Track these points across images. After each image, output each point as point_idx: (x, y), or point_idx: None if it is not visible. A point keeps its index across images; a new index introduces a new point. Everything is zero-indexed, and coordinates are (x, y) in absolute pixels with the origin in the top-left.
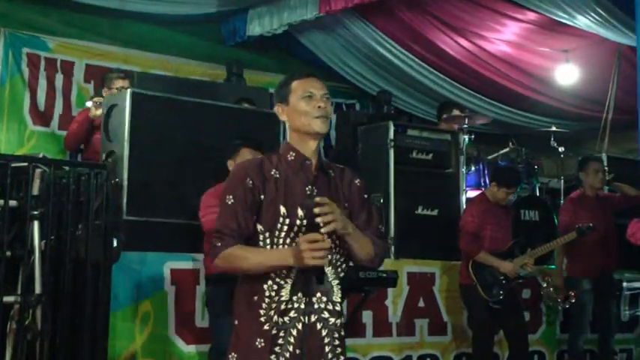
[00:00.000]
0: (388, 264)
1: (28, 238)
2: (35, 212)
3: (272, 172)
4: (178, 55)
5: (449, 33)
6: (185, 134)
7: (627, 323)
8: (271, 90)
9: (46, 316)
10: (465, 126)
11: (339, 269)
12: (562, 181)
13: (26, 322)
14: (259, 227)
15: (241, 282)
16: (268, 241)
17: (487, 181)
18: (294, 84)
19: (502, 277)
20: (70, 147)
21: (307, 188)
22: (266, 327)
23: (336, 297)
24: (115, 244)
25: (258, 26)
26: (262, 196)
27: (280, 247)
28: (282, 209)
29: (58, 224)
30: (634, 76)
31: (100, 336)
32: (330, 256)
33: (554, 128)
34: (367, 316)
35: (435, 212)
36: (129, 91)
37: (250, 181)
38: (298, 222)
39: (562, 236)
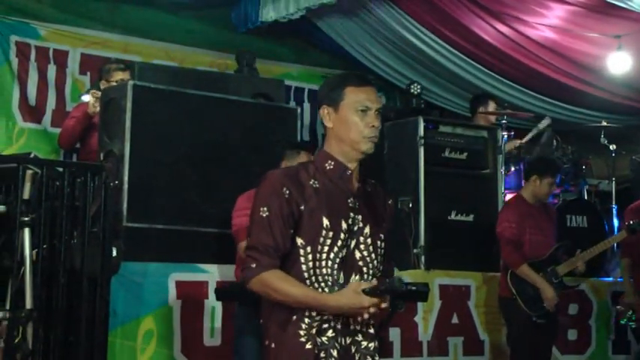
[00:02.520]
0: (418, 275)
1: (17, 247)
2: (26, 218)
3: (310, 182)
4: (184, 43)
5: (485, 17)
6: (192, 132)
7: None
8: (287, 82)
9: (37, 333)
10: (504, 121)
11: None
12: (613, 182)
13: (16, 341)
14: (299, 241)
15: (275, 303)
16: (310, 256)
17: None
18: (349, 90)
19: None
20: (64, 145)
21: (349, 200)
22: (309, 346)
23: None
24: (114, 253)
25: (272, 11)
26: (302, 207)
27: (324, 262)
28: (325, 221)
29: (51, 232)
30: None
31: (97, 356)
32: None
33: (604, 123)
34: (395, 334)
35: (470, 218)
36: (129, 83)
37: (287, 191)
38: (342, 235)
39: (612, 237)
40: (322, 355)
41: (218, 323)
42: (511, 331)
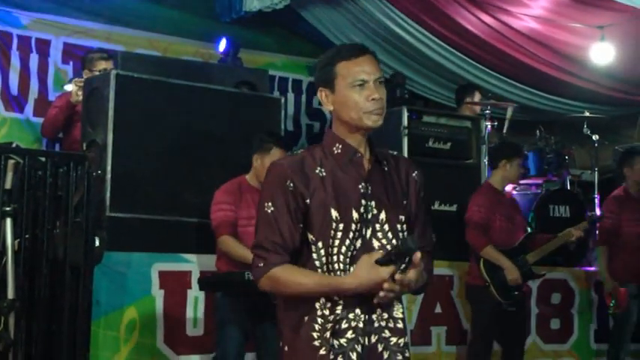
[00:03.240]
0: None
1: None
2: (8, 208)
3: (316, 171)
4: (167, 32)
5: (469, 7)
6: (176, 121)
7: None
8: (271, 72)
9: (19, 324)
10: (488, 112)
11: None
12: (596, 173)
13: None
14: (310, 237)
15: (286, 301)
16: (323, 252)
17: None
18: (341, 66)
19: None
20: (47, 135)
21: (360, 186)
22: (322, 351)
23: (398, 312)
24: (96, 243)
25: (256, 0)
26: (308, 200)
27: (335, 257)
28: (334, 213)
29: (34, 222)
30: None
31: (80, 346)
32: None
33: (587, 114)
34: None
35: (454, 208)
36: (113, 73)
37: (291, 184)
38: (354, 226)
39: (572, 228)
40: (340, 359)
41: (201, 313)
42: (478, 319)
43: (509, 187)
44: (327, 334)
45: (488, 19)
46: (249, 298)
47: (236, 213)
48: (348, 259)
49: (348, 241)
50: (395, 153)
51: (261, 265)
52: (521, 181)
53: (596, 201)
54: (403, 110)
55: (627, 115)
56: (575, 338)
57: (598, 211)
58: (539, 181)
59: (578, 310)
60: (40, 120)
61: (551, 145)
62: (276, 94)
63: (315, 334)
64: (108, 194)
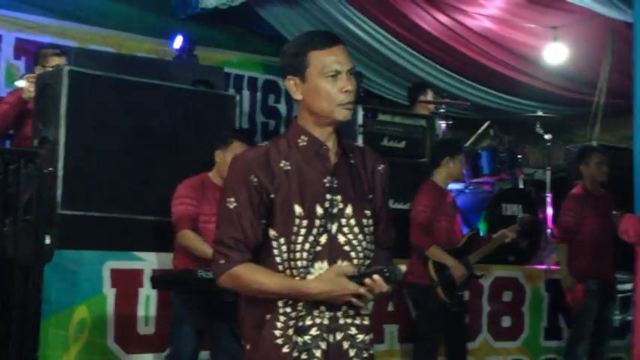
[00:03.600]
0: None
1: None
2: None
3: (281, 165)
4: (122, 29)
5: (425, 6)
6: (129, 118)
7: (618, 329)
8: (227, 69)
9: None
10: (442, 110)
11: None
12: (548, 172)
13: None
14: (272, 233)
15: (247, 299)
16: (284, 248)
17: (466, 171)
18: (313, 55)
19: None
20: None
21: (326, 180)
22: (285, 349)
23: (364, 309)
24: (47, 241)
25: None
26: (273, 195)
27: (299, 253)
28: (298, 209)
29: None
30: (629, 55)
31: (29, 346)
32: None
33: (540, 113)
34: None
35: (408, 206)
36: (65, 69)
37: (255, 178)
38: (317, 222)
39: (505, 230)
40: (304, 356)
41: (153, 312)
42: (424, 318)
43: (457, 185)
44: (290, 331)
45: (444, 18)
46: (203, 296)
47: (198, 208)
48: (311, 256)
49: (311, 238)
50: (361, 145)
51: (223, 261)
52: (474, 180)
53: (548, 200)
54: (358, 109)
55: (579, 115)
56: (526, 336)
57: (551, 212)
58: (492, 179)
59: (529, 308)
60: None
61: (504, 144)
62: (232, 91)
63: (277, 332)
64: (59, 192)
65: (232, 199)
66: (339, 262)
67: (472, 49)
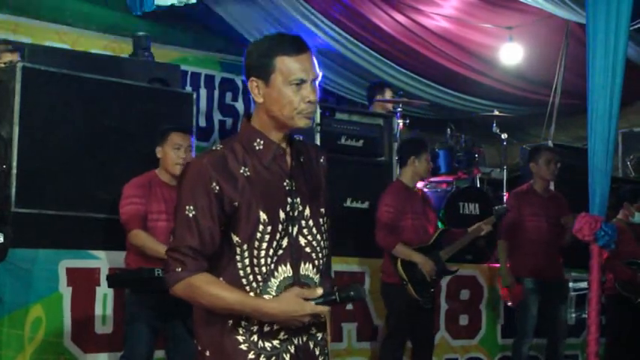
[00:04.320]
0: None
1: None
2: None
3: (241, 171)
4: (77, 25)
5: (382, 6)
6: (84, 116)
7: (573, 327)
8: (183, 67)
9: None
10: (399, 110)
11: (321, 270)
12: (505, 171)
13: None
14: (235, 239)
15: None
16: (247, 254)
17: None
18: (280, 60)
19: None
20: None
21: (285, 183)
22: (251, 355)
23: None
24: (1, 239)
25: None
26: (236, 203)
27: (263, 259)
28: (263, 215)
29: None
30: (583, 56)
31: None
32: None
33: (496, 113)
34: None
35: (366, 205)
36: (19, 65)
37: (217, 186)
38: (280, 226)
39: (481, 222)
40: None
41: (110, 311)
42: (393, 317)
43: (420, 184)
44: (255, 337)
45: (401, 17)
46: (159, 294)
47: (146, 207)
48: (275, 259)
49: (274, 242)
50: (301, 138)
51: (179, 270)
52: (432, 179)
53: (504, 198)
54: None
55: (535, 115)
56: (483, 334)
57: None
58: (450, 178)
59: (486, 306)
60: None
61: (461, 144)
62: (189, 89)
63: (240, 338)
64: (13, 189)
65: (191, 207)
66: (302, 265)
67: (429, 48)
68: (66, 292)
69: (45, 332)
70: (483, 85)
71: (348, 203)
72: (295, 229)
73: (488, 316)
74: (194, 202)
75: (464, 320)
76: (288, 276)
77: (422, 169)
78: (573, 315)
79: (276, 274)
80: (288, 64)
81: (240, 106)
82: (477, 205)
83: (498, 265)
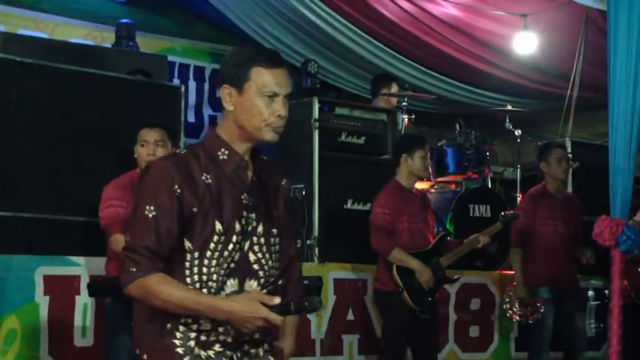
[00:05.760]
0: (312, 269)
1: None
2: None
3: (203, 177)
4: (55, 12)
5: None
6: (63, 110)
7: (593, 339)
8: (171, 58)
9: None
10: (405, 104)
11: (268, 288)
12: (519, 170)
13: None
14: (187, 244)
15: (146, 308)
16: (197, 262)
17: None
18: (256, 71)
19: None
20: None
21: (243, 197)
22: None
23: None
24: None
25: None
26: (195, 209)
27: (214, 268)
28: (219, 225)
29: None
30: (604, 46)
31: None
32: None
33: (509, 107)
34: None
35: (368, 207)
36: None
37: (179, 189)
38: (234, 238)
39: (486, 229)
40: None
41: (90, 322)
42: (389, 327)
43: (422, 185)
44: (192, 343)
45: (406, 4)
46: None
47: (127, 210)
48: (227, 271)
49: (226, 253)
50: (266, 159)
51: (134, 269)
52: (440, 179)
53: (519, 200)
54: (314, 101)
55: (551, 110)
56: (495, 346)
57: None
58: (459, 178)
59: (499, 317)
60: None
61: (471, 141)
62: (177, 81)
63: (177, 342)
64: None
65: (151, 207)
66: (247, 281)
67: (437, 38)
68: (43, 301)
69: (20, 345)
70: (495, 78)
71: (349, 205)
72: (247, 245)
73: (501, 328)
74: (155, 202)
75: (474, 332)
76: (234, 290)
77: (416, 168)
78: (593, 326)
79: (225, 287)
80: (263, 76)
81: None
82: (488, 207)
83: (510, 272)
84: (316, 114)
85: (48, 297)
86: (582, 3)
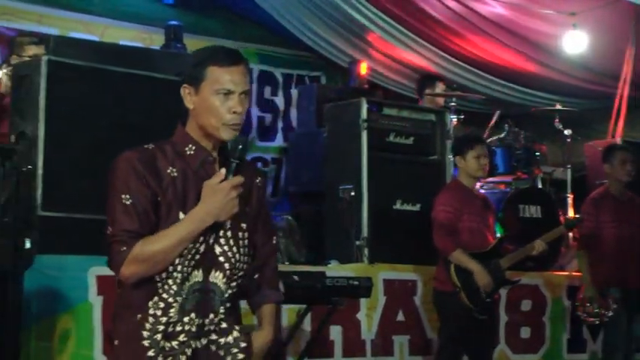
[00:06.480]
0: (361, 270)
1: None
2: None
3: (168, 170)
4: (104, 15)
5: None
6: (114, 112)
7: None
8: None
9: None
10: (453, 104)
11: (235, 281)
12: (569, 170)
13: None
14: None
15: (121, 296)
16: None
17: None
18: (212, 70)
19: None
20: None
21: None
22: (151, 353)
23: (221, 314)
24: (27, 245)
25: None
26: (159, 198)
27: (178, 259)
28: (182, 216)
29: None
30: None
31: (9, 358)
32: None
33: (559, 107)
34: (336, 333)
35: (417, 207)
36: (44, 59)
37: (144, 179)
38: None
39: (549, 233)
40: None
41: None
42: (446, 327)
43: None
44: (159, 336)
45: (454, 4)
46: None
47: None
48: (192, 263)
49: (190, 245)
50: (238, 161)
51: (124, 248)
52: (489, 179)
53: (569, 200)
54: (362, 102)
55: (600, 109)
56: (547, 348)
57: (572, 213)
58: (508, 179)
59: (550, 318)
60: None
61: (520, 141)
62: None
63: (145, 333)
64: (39, 191)
65: (127, 196)
66: (213, 272)
67: (485, 37)
68: (96, 301)
69: (75, 344)
70: (544, 77)
71: (398, 206)
72: (212, 237)
73: (553, 329)
74: (129, 191)
75: (525, 333)
76: (198, 281)
77: (470, 168)
78: None
79: (190, 277)
80: (217, 74)
81: (280, 100)
82: (538, 208)
83: (563, 273)
84: (364, 114)
85: (101, 297)
86: (631, 1)
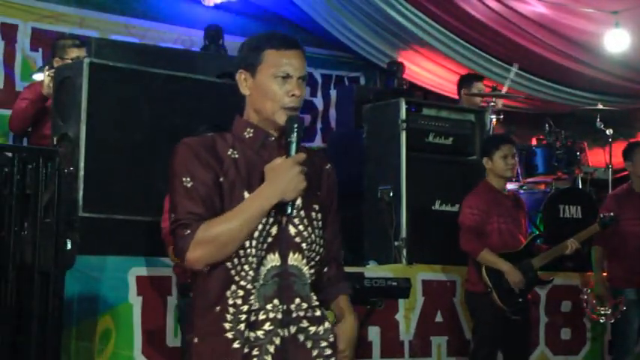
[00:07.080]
0: (400, 270)
1: None
2: None
3: (228, 152)
4: (146, 17)
5: None
6: (154, 114)
7: None
8: None
9: None
10: (492, 104)
11: (313, 264)
12: (610, 170)
13: None
14: None
15: (197, 290)
16: None
17: (519, 170)
18: (269, 54)
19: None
20: (15, 129)
21: None
22: (236, 345)
23: (314, 301)
24: (68, 246)
25: None
26: (221, 179)
27: (248, 242)
28: (247, 196)
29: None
30: None
31: (50, 358)
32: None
33: (600, 106)
34: (374, 333)
35: (456, 208)
36: (86, 61)
37: (205, 160)
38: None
39: (583, 231)
40: (255, 352)
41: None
42: (479, 328)
43: (511, 185)
44: (242, 325)
45: (494, 3)
46: None
47: None
48: (264, 246)
49: (261, 226)
50: (305, 145)
51: (188, 232)
52: (529, 180)
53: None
54: (401, 102)
55: None
56: (588, 349)
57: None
58: (549, 179)
59: (591, 319)
60: (6, 112)
61: (561, 140)
62: None
63: (227, 325)
64: (80, 193)
65: (188, 178)
66: (292, 255)
67: (525, 37)
68: (136, 301)
69: (115, 344)
70: (585, 76)
71: (437, 206)
72: (285, 218)
73: (594, 330)
74: (190, 174)
75: (566, 334)
76: (276, 265)
77: (498, 168)
78: None
79: (265, 262)
80: (275, 58)
81: (319, 101)
82: (579, 208)
83: (605, 274)
84: (403, 115)
85: (141, 297)
86: None
